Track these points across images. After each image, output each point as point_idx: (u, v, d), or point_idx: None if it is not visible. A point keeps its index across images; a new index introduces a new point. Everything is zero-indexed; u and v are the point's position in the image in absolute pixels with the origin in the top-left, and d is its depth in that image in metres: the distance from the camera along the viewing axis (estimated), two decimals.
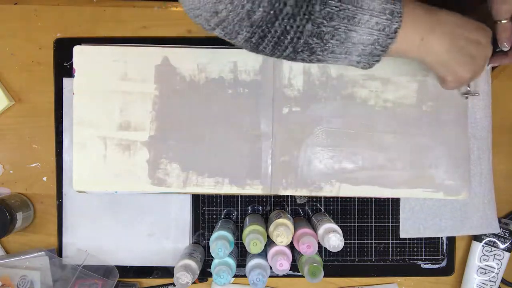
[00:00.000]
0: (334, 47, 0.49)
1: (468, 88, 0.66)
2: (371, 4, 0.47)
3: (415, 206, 0.70)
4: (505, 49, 0.63)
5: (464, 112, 0.68)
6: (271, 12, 0.45)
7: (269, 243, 0.66)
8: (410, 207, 0.70)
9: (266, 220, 0.69)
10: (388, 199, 0.70)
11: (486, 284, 0.71)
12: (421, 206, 0.70)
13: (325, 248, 0.67)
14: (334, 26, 0.47)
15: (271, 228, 0.63)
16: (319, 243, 0.63)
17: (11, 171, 0.70)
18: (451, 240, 0.71)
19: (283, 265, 0.61)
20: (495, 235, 0.70)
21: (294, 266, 0.67)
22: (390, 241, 0.71)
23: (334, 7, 0.46)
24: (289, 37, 0.47)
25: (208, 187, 0.66)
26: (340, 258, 0.71)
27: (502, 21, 0.62)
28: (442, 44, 0.52)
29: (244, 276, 0.69)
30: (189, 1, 0.47)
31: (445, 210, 0.69)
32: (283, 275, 0.65)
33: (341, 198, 0.71)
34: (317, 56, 0.50)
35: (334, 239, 0.61)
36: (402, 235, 0.70)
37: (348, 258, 0.71)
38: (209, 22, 0.48)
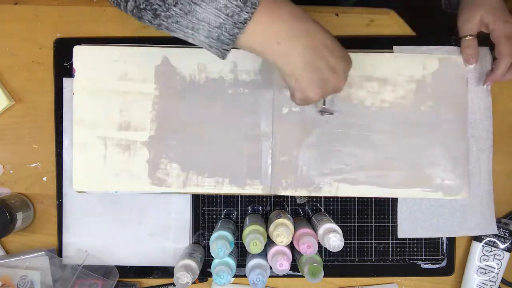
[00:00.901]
0: (178, 17, 0.46)
1: (323, 106, 0.63)
2: None
3: (413, 206, 0.70)
4: (470, 66, 0.65)
5: (463, 112, 0.68)
6: None
7: (269, 243, 0.66)
8: (408, 207, 0.70)
9: (266, 220, 0.69)
10: (387, 199, 0.70)
11: (486, 284, 0.71)
12: (418, 206, 0.70)
13: (325, 248, 0.67)
14: None
15: (271, 228, 0.63)
16: (319, 243, 0.63)
17: (11, 171, 0.70)
18: (451, 240, 0.71)
19: (283, 265, 0.61)
20: (495, 235, 0.70)
21: (294, 266, 0.67)
22: (390, 241, 0.71)
23: None
24: None
25: (208, 187, 0.66)
26: (340, 258, 0.71)
27: (466, 38, 0.64)
28: (301, 57, 0.49)
29: (244, 276, 0.69)
30: None
31: (443, 211, 0.69)
32: (283, 275, 0.65)
33: (341, 198, 0.71)
34: (161, 21, 0.47)
35: (334, 239, 0.61)
36: (400, 235, 0.70)
37: (348, 258, 0.71)
38: None
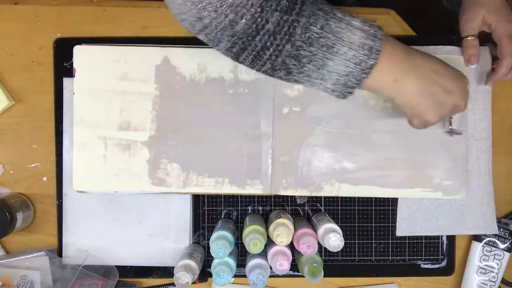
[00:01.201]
0: (310, 72, 0.50)
1: (450, 127, 0.66)
2: (352, 37, 0.48)
3: (413, 205, 0.70)
4: (471, 66, 0.65)
5: (463, 112, 0.68)
6: (253, 26, 0.46)
7: (269, 243, 0.66)
8: (408, 206, 0.70)
9: (266, 220, 0.69)
10: (387, 199, 0.70)
11: (486, 284, 0.71)
12: (418, 206, 0.70)
13: (325, 248, 0.67)
14: (312, 51, 0.48)
15: (271, 228, 0.63)
16: (319, 243, 0.63)
17: (11, 171, 0.70)
18: (451, 240, 0.71)
19: (283, 265, 0.61)
20: (495, 235, 0.70)
21: (294, 266, 0.67)
22: (390, 241, 0.71)
23: (315, 33, 0.47)
24: (268, 54, 0.48)
25: (208, 187, 0.66)
26: (340, 258, 0.71)
27: (468, 38, 0.64)
28: (415, 88, 0.52)
29: (244, 276, 0.69)
30: (175, 6, 0.48)
31: (442, 210, 0.69)
32: (283, 275, 0.65)
33: (341, 198, 0.71)
34: (293, 77, 0.51)
35: (334, 239, 0.61)
36: (399, 233, 0.70)
37: (348, 258, 0.71)
38: (194, 27, 0.49)
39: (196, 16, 0.47)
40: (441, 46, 0.68)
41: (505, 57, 0.63)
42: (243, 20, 0.46)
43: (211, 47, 0.51)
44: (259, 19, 0.46)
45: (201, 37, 0.50)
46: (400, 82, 0.52)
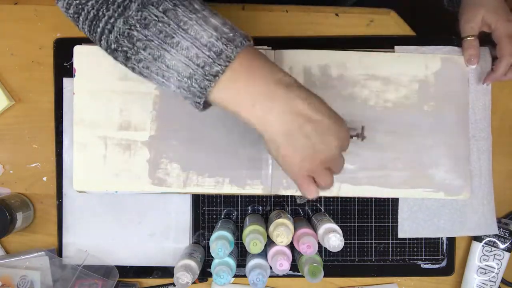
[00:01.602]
0: (147, 62, 0.43)
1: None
2: (200, 32, 0.41)
3: (414, 206, 0.70)
4: (472, 66, 0.65)
5: (465, 112, 0.68)
6: None
7: (269, 243, 0.66)
8: (409, 207, 0.70)
9: (266, 220, 0.69)
10: (387, 199, 0.70)
11: (486, 284, 0.71)
12: (419, 207, 0.70)
13: (325, 248, 0.67)
14: (147, 36, 0.42)
15: (271, 228, 0.63)
16: (319, 243, 0.63)
17: (11, 171, 0.70)
18: (451, 240, 0.71)
19: (283, 265, 0.61)
20: (495, 235, 0.70)
21: (294, 266, 0.67)
22: (390, 241, 0.71)
23: (153, 15, 0.41)
24: (101, 26, 0.43)
25: (209, 187, 0.66)
26: (340, 258, 0.71)
27: (468, 38, 0.64)
28: (280, 124, 0.44)
29: (244, 276, 0.69)
30: None
31: (443, 211, 0.69)
32: (283, 275, 0.65)
33: (341, 198, 0.71)
34: (133, 65, 0.45)
35: (334, 239, 0.61)
36: (401, 235, 0.70)
37: (348, 258, 0.71)
38: None
39: None
40: (441, 46, 0.68)
41: (504, 57, 0.63)
42: None
43: None
44: None
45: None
46: (259, 109, 0.43)
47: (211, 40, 0.42)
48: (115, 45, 0.44)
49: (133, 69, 0.46)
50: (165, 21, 0.42)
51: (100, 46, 0.46)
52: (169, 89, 0.45)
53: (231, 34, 0.42)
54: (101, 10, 0.42)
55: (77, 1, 0.43)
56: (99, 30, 0.44)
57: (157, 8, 0.41)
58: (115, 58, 0.46)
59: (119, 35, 0.43)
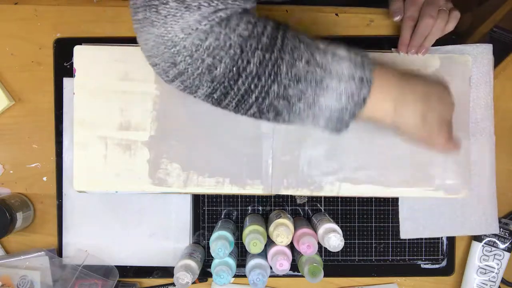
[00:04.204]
0: (301, 111, 0.46)
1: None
2: (339, 68, 0.45)
3: (414, 205, 0.70)
4: (396, 19, 0.65)
5: (465, 111, 0.68)
6: (234, 68, 0.43)
7: (269, 243, 0.66)
8: (409, 206, 0.70)
9: (266, 220, 0.69)
10: (387, 199, 0.70)
11: (486, 284, 0.71)
12: (419, 206, 0.70)
13: (325, 248, 0.67)
14: (301, 89, 0.45)
15: (271, 228, 0.63)
16: (319, 243, 0.63)
17: (11, 171, 0.70)
18: (451, 240, 0.71)
19: (283, 265, 0.61)
20: (495, 235, 0.70)
21: (294, 266, 0.67)
22: (390, 241, 0.71)
23: (301, 69, 0.44)
24: (253, 97, 0.45)
25: (209, 187, 0.66)
26: (340, 258, 0.71)
27: None
28: (417, 114, 0.49)
29: (244, 276, 0.69)
30: (147, 48, 0.44)
31: (444, 210, 0.69)
32: (283, 275, 0.65)
33: (341, 198, 0.71)
34: (283, 117, 0.48)
35: (334, 239, 0.61)
36: (402, 235, 0.70)
37: (348, 258, 0.71)
38: (167, 73, 0.45)
39: (170, 61, 0.44)
40: (441, 46, 0.68)
41: (404, 20, 0.64)
42: (222, 64, 0.43)
43: None
44: (239, 61, 0.43)
45: (175, 84, 0.46)
46: (400, 110, 0.49)
47: (350, 71, 0.45)
48: (267, 108, 0.46)
49: (276, 121, 0.48)
50: (311, 70, 0.44)
51: (245, 113, 0.48)
52: (314, 125, 0.49)
53: (359, 59, 0.46)
54: (253, 83, 0.44)
55: (225, 84, 0.44)
56: (250, 101, 0.45)
57: (301, 62, 0.44)
58: (259, 118, 0.48)
59: (274, 98, 0.45)
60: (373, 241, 0.71)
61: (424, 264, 0.71)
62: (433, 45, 0.68)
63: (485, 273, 0.71)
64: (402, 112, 0.49)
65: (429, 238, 0.71)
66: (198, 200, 0.70)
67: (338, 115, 0.47)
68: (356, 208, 0.71)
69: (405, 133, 0.51)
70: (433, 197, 0.68)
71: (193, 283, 0.65)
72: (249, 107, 0.46)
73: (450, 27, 0.63)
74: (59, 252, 0.69)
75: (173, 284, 0.71)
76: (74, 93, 0.66)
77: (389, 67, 0.50)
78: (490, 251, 0.71)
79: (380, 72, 0.48)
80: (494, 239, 0.71)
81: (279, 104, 0.46)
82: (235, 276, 0.68)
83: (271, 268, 0.64)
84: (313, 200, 0.71)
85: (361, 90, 0.46)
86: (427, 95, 0.50)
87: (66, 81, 0.68)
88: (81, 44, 0.66)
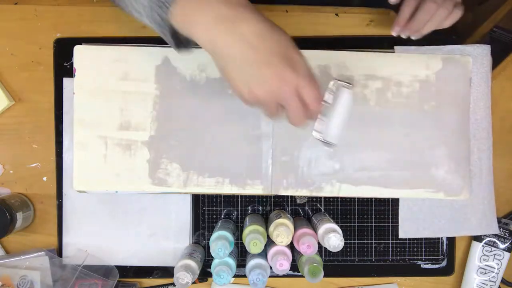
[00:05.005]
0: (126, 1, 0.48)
1: (315, 130, 0.53)
2: None
3: (414, 206, 0.70)
4: (392, 2, 0.61)
5: (466, 112, 0.68)
6: None
7: (269, 243, 0.66)
8: (409, 207, 0.70)
9: (266, 220, 0.69)
10: (388, 199, 0.70)
11: (486, 284, 0.71)
12: (419, 207, 0.70)
13: (325, 248, 0.67)
14: None
15: (271, 228, 0.63)
16: (319, 243, 0.63)
17: (11, 171, 0.70)
18: (451, 240, 0.71)
19: (283, 265, 0.61)
20: (495, 235, 0.70)
21: (294, 266, 0.67)
22: (390, 241, 0.71)
23: None
24: None
25: (209, 187, 0.66)
26: (340, 258, 0.71)
27: None
28: (229, 48, 0.43)
29: (244, 276, 0.69)
30: None
31: (444, 211, 0.69)
32: (283, 275, 0.65)
33: (341, 198, 0.71)
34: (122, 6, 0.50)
35: (334, 239, 0.61)
36: (401, 235, 0.70)
37: (348, 258, 0.71)
38: None
39: None
40: (442, 46, 0.68)
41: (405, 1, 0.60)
42: None
43: None
44: None
45: None
46: (211, 33, 0.43)
47: None
48: None
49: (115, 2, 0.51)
50: None
51: None
52: (145, 22, 0.49)
53: None
54: None
55: None
56: None
57: None
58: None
59: None
60: (373, 241, 0.71)
61: (424, 264, 0.71)
62: (433, 45, 0.68)
63: (485, 273, 0.71)
64: (213, 37, 0.43)
65: (429, 238, 0.71)
66: (198, 200, 0.70)
67: (149, 11, 0.46)
68: (356, 208, 0.71)
69: (216, 63, 0.46)
70: (433, 198, 0.68)
71: (193, 283, 0.65)
72: None
73: (448, 23, 0.60)
74: (59, 252, 0.69)
75: (173, 284, 0.71)
76: (74, 93, 0.66)
77: None
78: (490, 251, 0.71)
79: None
80: (494, 239, 0.71)
81: None
82: (235, 276, 0.68)
83: (271, 268, 0.64)
84: (313, 200, 0.71)
85: None
86: (250, 32, 0.43)
87: (66, 81, 0.68)
88: (81, 44, 0.66)
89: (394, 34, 0.63)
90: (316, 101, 0.46)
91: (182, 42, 0.49)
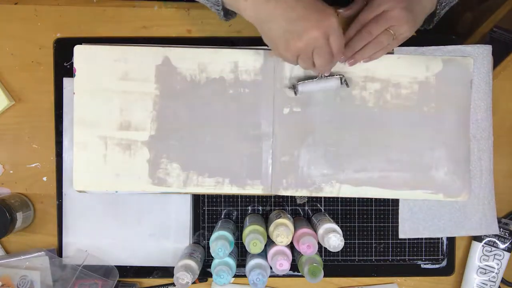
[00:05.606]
0: None
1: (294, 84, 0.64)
2: None
3: (414, 206, 0.70)
4: (340, 10, 0.63)
5: (466, 114, 0.68)
6: None
7: (269, 243, 0.66)
8: (409, 207, 0.70)
9: (266, 220, 0.69)
10: (388, 199, 0.70)
11: (486, 284, 0.71)
12: (420, 207, 0.70)
13: (325, 248, 0.67)
14: None
15: (271, 228, 0.63)
16: (319, 243, 0.63)
17: (11, 171, 0.70)
18: (451, 240, 0.71)
19: (283, 265, 0.61)
20: (495, 235, 0.70)
21: (294, 266, 0.67)
22: (390, 241, 0.71)
23: None
24: None
25: (209, 187, 0.66)
26: (340, 258, 0.71)
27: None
28: (263, 10, 0.52)
29: (244, 276, 0.69)
30: None
31: (444, 211, 0.69)
32: (283, 275, 0.65)
33: (341, 198, 0.71)
34: None
35: (334, 239, 0.61)
36: (401, 235, 0.70)
37: (348, 258, 0.71)
38: None
39: None
40: (442, 46, 0.68)
41: (354, 21, 0.61)
42: None
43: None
44: None
45: None
46: (255, 2, 0.52)
47: None
48: None
49: None
50: None
51: None
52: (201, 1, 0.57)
53: None
54: None
55: None
56: None
57: None
58: None
59: None
60: (373, 241, 0.71)
61: (424, 264, 0.71)
62: (433, 45, 0.68)
63: (485, 273, 0.71)
64: (252, 4, 0.52)
65: (429, 238, 0.71)
66: (198, 200, 0.70)
67: None
68: (356, 208, 0.71)
69: (264, 35, 0.55)
70: (433, 200, 0.68)
71: (193, 283, 0.65)
72: None
73: (378, 54, 0.62)
74: (59, 252, 0.70)
75: (173, 284, 0.71)
76: (74, 93, 0.66)
77: None
78: (490, 251, 0.71)
79: None
80: (494, 239, 0.71)
81: None
82: (235, 276, 0.68)
83: (271, 268, 0.64)
84: (313, 200, 0.71)
85: None
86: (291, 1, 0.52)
87: (66, 81, 0.68)
88: (81, 44, 0.66)
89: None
90: (340, 49, 0.55)
91: (230, 14, 0.58)
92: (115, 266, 0.69)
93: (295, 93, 0.65)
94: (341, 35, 0.54)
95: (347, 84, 0.65)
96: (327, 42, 0.53)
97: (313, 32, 0.52)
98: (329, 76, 0.64)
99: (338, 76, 0.65)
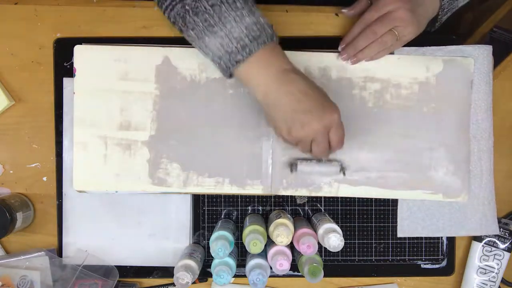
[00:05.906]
0: (192, 38, 0.56)
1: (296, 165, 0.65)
2: (234, 28, 0.53)
3: (413, 206, 0.70)
4: (344, 11, 0.66)
5: (466, 114, 0.68)
6: None
7: (269, 243, 0.66)
8: (408, 207, 0.70)
9: (266, 220, 0.69)
10: (388, 199, 0.70)
11: (486, 284, 0.71)
12: (418, 207, 0.70)
13: (325, 248, 0.67)
14: (195, 21, 0.54)
15: (271, 228, 0.63)
16: (319, 243, 0.63)
17: (11, 171, 0.70)
18: (451, 240, 0.71)
19: (283, 265, 0.61)
20: (495, 235, 0.70)
21: (294, 266, 0.67)
22: (390, 241, 0.71)
23: (202, 7, 0.53)
24: (166, 3, 0.55)
25: (209, 187, 0.66)
26: (340, 258, 0.71)
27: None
28: (278, 101, 0.55)
29: (244, 276, 0.69)
30: None
31: (443, 211, 0.69)
32: (283, 275, 0.65)
33: (341, 198, 0.71)
34: (185, 35, 0.57)
35: (334, 239, 0.61)
36: (400, 234, 0.70)
37: (348, 258, 0.71)
38: None
39: None
40: (443, 46, 0.68)
41: (359, 20, 0.62)
42: None
43: None
44: None
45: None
46: (265, 88, 0.56)
47: (240, 35, 0.53)
48: (172, 20, 0.56)
49: (186, 36, 0.57)
50: (210, 13, 0.53)
51: (168, 16, 0.57)
52: (209, 58, 0.57)
53: (258, 33, 0.54)
54: None
55: None
56: (164, 5, 0.56)
57: (207, 2, 0.53)
58: (173, 23, 0.57)
59: (177, 14, 0.55)
60: (373, 241, 0.71)
61: (424, 264, 0.71)
62: (433, 45, 0.68)
63: (485, 273, 0.71)
64: (267, 92, 0.56)
65: (429, 238, 0.71)
66: (198, 200, 0.70)
67: (219, 60, 0.56)
68: (356, 208, 0.71)
69: (265, 113, 0.59)
70: (432, 200, 0.68)
71: (193, 283, 0.65)
72: (164, 10, 0.57)
73: (381, 54, 0.64)
74: (59, 252, 0.70)
75: (173, 284, 0.71)
76: (74, 93, 0.66)
77: (287, 60, 0.57)
78: (490, 251, 0.71)
79: (270, 54, 0.56)
80: (494, 239, 0.71)
81: (179, 21, 0.55)
82: (235, 276, 0.68)
83: (271, 268, 0.64)
84: (313, 200, 0.71)
85: (238, 53, 0.54)
86: (298, 90, 0.55)
87: (66, 81, 0.68)
88: (81, 44, 0.66)
89: (340, 50, 0.66)
90: (339, 142, 0.59)
91: (233, 77, 0.59)
92: (115, 266, 0.69)
93: (291, 171, 0.66)
94: (342, 130, 0.58)
95: (344, 173, 0.67)
96: (326, 135, 0.57)
97: (315, 125, 0.56)
98: (328, 160, 0.66)
99: (337, 163, 0.66)
